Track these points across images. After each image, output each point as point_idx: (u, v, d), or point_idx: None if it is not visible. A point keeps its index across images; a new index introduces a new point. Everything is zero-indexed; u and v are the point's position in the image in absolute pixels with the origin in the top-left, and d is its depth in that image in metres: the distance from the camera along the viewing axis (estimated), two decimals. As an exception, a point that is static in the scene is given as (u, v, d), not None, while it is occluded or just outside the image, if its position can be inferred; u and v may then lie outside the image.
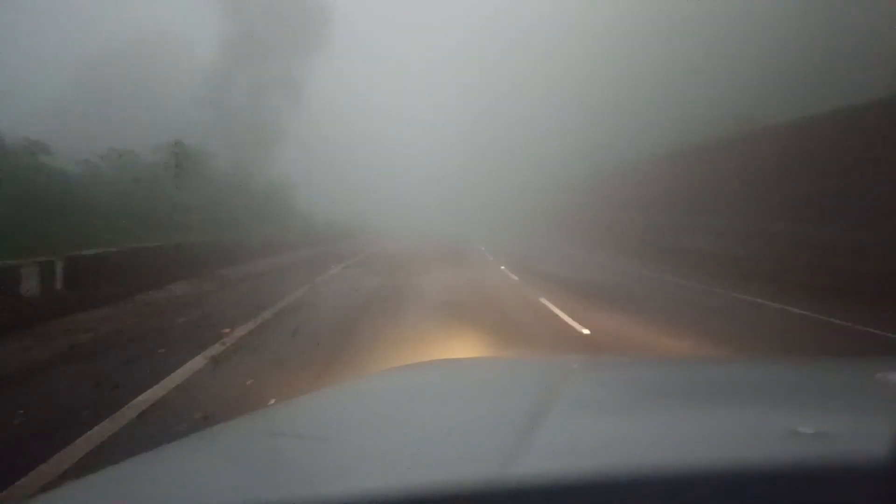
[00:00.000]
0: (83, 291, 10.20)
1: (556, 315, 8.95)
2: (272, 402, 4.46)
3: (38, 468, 3.38)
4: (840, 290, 11.59)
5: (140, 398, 4.70)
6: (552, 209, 47.59)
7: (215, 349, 6.38)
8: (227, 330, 7.36)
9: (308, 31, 39.04)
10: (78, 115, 34.33)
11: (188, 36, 40.83)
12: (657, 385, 1.44)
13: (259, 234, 22.78)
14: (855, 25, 18.53)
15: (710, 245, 19.90)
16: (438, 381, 1.62)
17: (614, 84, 35.72)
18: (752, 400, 1.22)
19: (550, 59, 50.74)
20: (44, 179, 18.02)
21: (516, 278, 13.87)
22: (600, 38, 39.58)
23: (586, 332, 7.62)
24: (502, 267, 16.88)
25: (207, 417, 4.15)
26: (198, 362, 5.86)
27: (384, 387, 1.57)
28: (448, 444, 0.98)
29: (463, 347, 6.85)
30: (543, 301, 10.22)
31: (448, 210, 71.00)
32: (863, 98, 14.12)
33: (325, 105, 47.92)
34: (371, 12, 65.69)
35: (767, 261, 16.71)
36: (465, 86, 75.17)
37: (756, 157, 19.15)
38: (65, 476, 3.27)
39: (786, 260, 15.69)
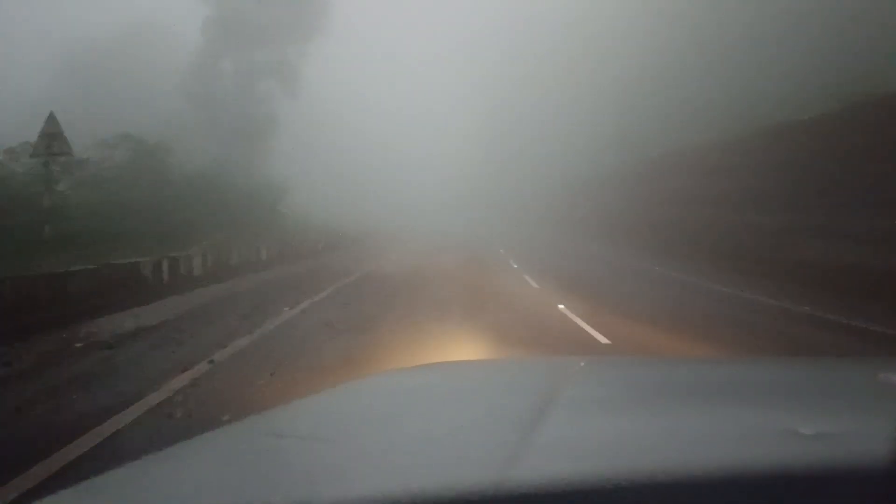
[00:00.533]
0: None
1: None
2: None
3: None
4: None
5: None
6: (590, 208, 41.38)
7: None
8: None
9: (303, 21, 34.12)
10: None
11: (172, 24, 35.94)
12: (657, 385, 1.40)
13: (213, 250, 16.91)
14: None
15: (850, 255, 13.73)
16: (440, 382, 1.58)
17: (671, 61, 29.80)
18: (752, 400, 1.18)
19: (555, 54, 46.20)
20: None
21: (608, 342, 7.37)
22: (638, 20, 34.19)
23: None
24: (560, 305, 10.16)
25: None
26: None
27: (385, 388, 1.54)
28: (449, 445, 0.96)
29: None
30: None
31: (461, 212, 64.98)
32: None
33: (327, 104, 42.80)
34: (377, 10, 60.59)
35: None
36: (474, 83, 69.99)
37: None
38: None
39: None
